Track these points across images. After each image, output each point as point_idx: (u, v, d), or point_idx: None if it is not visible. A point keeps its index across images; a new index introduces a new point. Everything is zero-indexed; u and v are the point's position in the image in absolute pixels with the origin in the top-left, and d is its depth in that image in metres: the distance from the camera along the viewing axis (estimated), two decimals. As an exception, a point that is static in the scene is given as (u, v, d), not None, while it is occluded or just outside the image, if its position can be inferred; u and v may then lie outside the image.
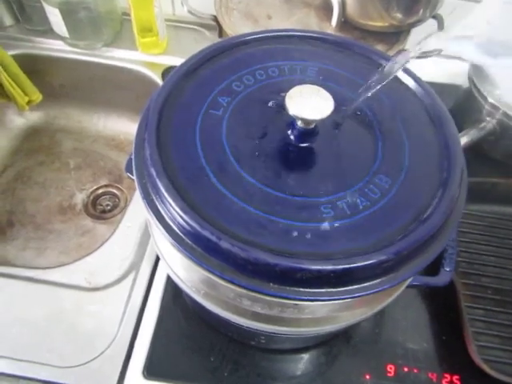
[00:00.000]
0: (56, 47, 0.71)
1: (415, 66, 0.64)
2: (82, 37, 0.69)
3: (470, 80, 0.60)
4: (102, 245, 0.52)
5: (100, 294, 0.47)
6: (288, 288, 0.28)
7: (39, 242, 0.67)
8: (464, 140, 0.57)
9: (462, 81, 0.64)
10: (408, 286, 0.38)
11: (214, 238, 0.27)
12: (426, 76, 0.69)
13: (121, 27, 0.74)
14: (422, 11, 0.53)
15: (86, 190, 0.74)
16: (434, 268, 0.41)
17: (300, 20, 0.55)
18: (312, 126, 0.33)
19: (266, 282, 0.28)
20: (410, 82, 0.38)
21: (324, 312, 0.32)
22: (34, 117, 0.79)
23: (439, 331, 0.48)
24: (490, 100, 0.57)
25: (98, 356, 0.43)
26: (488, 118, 0.58)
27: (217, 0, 0.56)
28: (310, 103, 0.32)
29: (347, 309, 0.33)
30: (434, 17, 0.58)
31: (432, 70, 0.70)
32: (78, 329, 0.46)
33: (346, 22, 0.55)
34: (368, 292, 0.28)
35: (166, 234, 0.29)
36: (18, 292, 0.48)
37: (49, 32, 0.71)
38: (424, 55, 0.56)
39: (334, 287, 0.28)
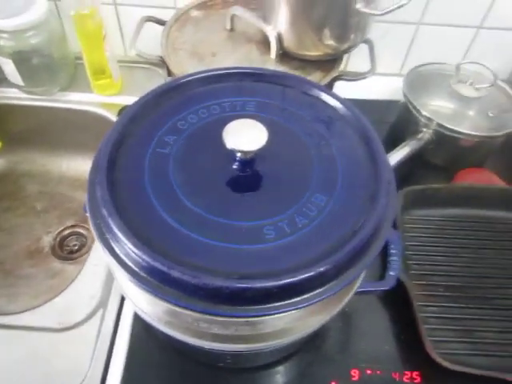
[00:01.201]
0: (12, 95, 0.73)
1: (356, 85, 0.70)
2: (37, 83, 0.71)
3: (405, 96, 0.65)
4: (69, 285, 0.54)
5: (70, 333, 0.49)
6: (238, 307, 0.30)
7: (10, 289, 0.67)
8: (406, 150, 0.62)
9: (400, 96, 0.69)
10: (357, 293, 0.40)
11: (165, 269, 0.30)
12: (368, 94, 0.75)
13: (75, 71, 0.76)
14: (352, 37, 0.57)
15: (52, 232, 0.75)
16: (382, 274, 0.44)
17: (243, 55, 0.59)
18: (251, 155, 0.36)
19: (218, 303, 0.30)
20: (337, 104, 0.42)
21: (277, 325, 0.35)
22: (-5, 164, 0.80)
23: (398, 332, 0.51)
24: (424, 113, 0.62)
25: (72, 396, 0.44)
26: (424, 129, 0.63)
27: (163, 41, 0.59)
28: (245, 136, 0.35)
29: (299, 319, 0.36)
30: (365, 41, 0.64)
31: (374, 88, 0.75)
32: (52, 370, 0.46)
33: (285, 54, 0.59)
34: (312, 302, 0.31)
35: (122, 270, 0.31)
36: (-9, 339, 0.49)
37: (4, 81, 0.73)
38: (357, 78, 0.61)
39: (279, 301, 0.31)
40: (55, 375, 0.46)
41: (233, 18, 0.61)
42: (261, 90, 0.44)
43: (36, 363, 0.47)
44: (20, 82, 0.70)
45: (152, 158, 0.37)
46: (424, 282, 0.55)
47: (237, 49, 0.60)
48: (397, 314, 0.53)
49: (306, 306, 0.31)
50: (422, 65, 0.68)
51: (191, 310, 0.31)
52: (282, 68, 0.58)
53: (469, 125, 0.63)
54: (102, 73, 0.70)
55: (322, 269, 0.31)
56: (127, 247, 0.31)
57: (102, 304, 0.51)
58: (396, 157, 0.61)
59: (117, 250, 0.32)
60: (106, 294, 0.52)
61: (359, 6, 0.51)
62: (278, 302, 0.31)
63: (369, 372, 0.48)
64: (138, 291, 0.35)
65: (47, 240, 0.74)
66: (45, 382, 0.46)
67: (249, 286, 0.30)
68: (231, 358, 0.43)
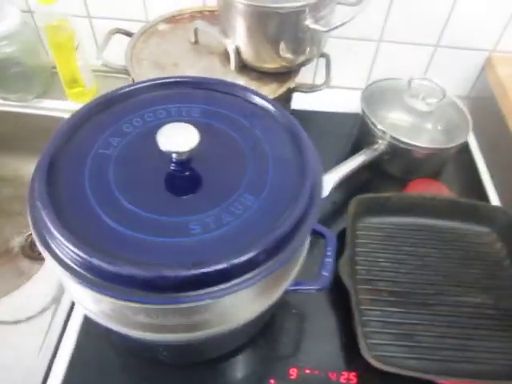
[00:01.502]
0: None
1: (325, 98, 0.73)
2: (12, 90, 0.74)
3: (362, 109, 0.67)
4: (27, 282, 0.56)
5: (22, 326, 0.51)
6: (162, 295, 0.32)
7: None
8: (362, 158, 0.64)
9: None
10: (288, 291, 0.42)
11: (87, 257, 0.32)
12: (336, 107, 0.78)
13: (52, 79, 0.79)
14: (308, 51, 0.61)
15: (23, 233, 0.77)
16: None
17: (205, 66, 0.62)
18: (185, 156, 0.39)
19: (145, 292, 0.32)
20: (272, 109, 0.44)
21: (205, 314, 0.37)
22: (-31, 168, 0.82)
23: (340, 334, 0.53)
24: (379, 126, 0.65)
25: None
26: (380, 141, 0.66)
27: (128, 52, 0.62)
28: (177, 138, 0.37)
29: (228, 310, 0.38)
30: (322, 55, 0.67)
31: (339, 102, 0.79)
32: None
33: (244, 66, 0.62)
34: (227, 292, 0.33)
35: (59, 266, 0.33)
36: None
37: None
38: (312, 90, 0.64)
39: (203, 288, 0.33)
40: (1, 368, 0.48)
41: (196, 31, 0.64)
42: (207, 97, 0.46)
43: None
44: (-5, 88, 0.73)
45: (94, 158, 0.40)
46: (370, 287, 0.57)
47: (199, 60, 0.63)
48: (341, 317, 0.55)
49: (222, 295, 0.33)
50: (379, 80, 0.71)
51: (117, 298, 0.33)
52: (240, 79, 0.61)
53: (421, 137, 0.65)
54: (75, 81, 0.73)
55: (236, 261, 0.33)
56: (60, 242, 0.33)
57: (56, 300, 0.53)
58: (352, 164, 0.63)
59: (52, 245, 0.34)
60: (60, 292, 0.54)
61: (308, 22, 0.54)
62: (201, 289, 0.33)
63: (307, 371, 0.50)
64: (78, 287, 0.37)
65: (18, 240, 0.76)
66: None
67: (166, 274, 0.32)
68: (166, 352, 0.45)
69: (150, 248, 0.34)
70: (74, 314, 0.52)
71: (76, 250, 0.32)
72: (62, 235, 0.33)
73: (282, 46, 0.58)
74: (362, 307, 0.55)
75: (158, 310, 0.35)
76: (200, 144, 0.37)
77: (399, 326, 0.54)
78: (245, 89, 0.45)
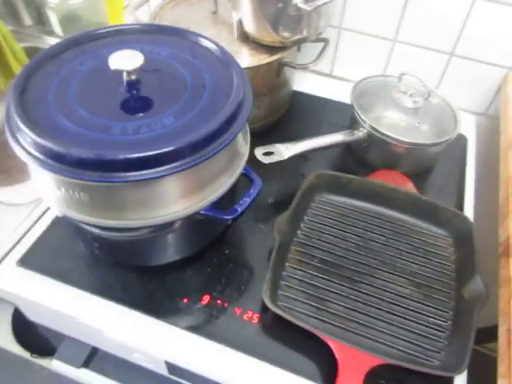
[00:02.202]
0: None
1: (324, 86, 0.78)
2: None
3: (350, 99, 0.71)
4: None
5: (11, 209, 0.63)
6: (90, 172, 0.41)
7: None
8: (335, 138, 0.68)
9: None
10: (200, 214, 0.49)
11: (42, 141, 0.41)
12: (334, 95, 0.82)
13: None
14: (305, 31, 0.66)
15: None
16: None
17: (213, 33, 0.71)
18: (132, 77, 0.47)
19: (80, 169, 0.41)
20: (214, 47, 0.53)
21: (139, 197, 0.45)
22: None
23: (262, 280, 0.57)
24: (361, 115, 0.68)
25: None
26: (361, 128, 0.69)
27: (154, 11, 0.73)
28: (124, 59, 0.46)
29: (141, 197, 0.45)
30: (322, 40, 0.72)
31: (341, 91, 0.82)
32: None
33: (246, 36, 0.69)
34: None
35: (28, 156, 0.43)
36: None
37: (52, 33, 0.92)
38: (300, 67, 0.70)
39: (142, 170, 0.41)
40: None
41: (216, 2, 0.73)
42: (162, 40, 0.55)
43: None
44: (59, 32, 0.89)
45: (60, 80, 0.49)
46: (302, 250, 0.60)
47: (211, 28, 0.72)
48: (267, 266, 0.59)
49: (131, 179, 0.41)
50: (375, 76, 0.74)
51: (78, 178, 0.41)
52: (242, 47, 0.69)
53: (403, 132, 0.67)
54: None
55: (137, 155, 0.41)
56: (24, 133, 0.42)
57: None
58: (328, 139, 0.68)
59: (20, 138, 0.43)
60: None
61: (297, 1, 0.60)
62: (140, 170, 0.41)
63: (218, 301, 0.56)
64: (37, 171, 0.46)
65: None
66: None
67: (114, 157, 0.41)
68: (97, 243, 0.54)
69: (88, 139, 0.43)
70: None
71: (34, 137, 0.42)
72: (26, 126, 0.43)
73: (276, 22, 0.65)
74: (288, 264, 0.58)
75: (90, 187, 0.44)
76: (143, 66, 0.46)
77: (316, 288, 0.57)
78: (196, 34, 0.54)
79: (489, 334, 0.60)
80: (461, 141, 0.78)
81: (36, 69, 0.50)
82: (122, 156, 0.41)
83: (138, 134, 0.44)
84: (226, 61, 0.51)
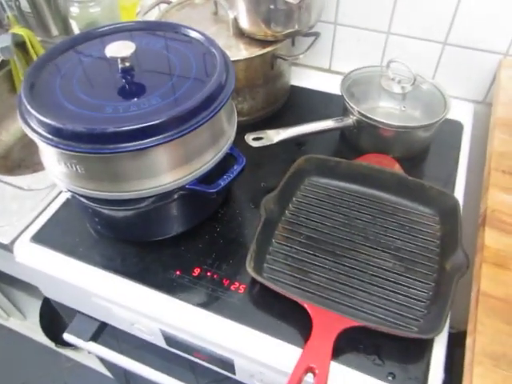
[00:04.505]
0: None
1: (321, 80, 0.82)
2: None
3: (340, 89, 0.74)
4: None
5: (29, 193, 0.70)
6: (88, 145, 0.47)
7: None
8: (324, 124, 0.72)
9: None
10: (185, 189, 0.53)
11: (47, 120, 0.47)
12: (328, 89, 0.85)
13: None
14: (296, 25, 0.71)
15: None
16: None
17: (212, 32, 0.76)
18: (127, 63, 0.53)
19: (81, 143, 0.47)
20: (199, 36, 0.59)
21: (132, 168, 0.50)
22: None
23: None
24: (350, 103, 0.71)
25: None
26: (351, 116, 0.72)
27: (160, 14, 0.79)
28: (119, 49, 0.52)
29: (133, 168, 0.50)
30: (314, 35, 0.76)
31: (332, 84, 0.85)
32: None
33: (241, 33, 0.75)
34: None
35: (35, 135, 0.49)
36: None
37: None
38: (290, 58, 0.74)
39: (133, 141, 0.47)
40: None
41: (215, 3, 0.79)
42: (159, 34, 0.61)
43: None
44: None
45: (67, 69, 0.56)
46: (290, 228, 0.63)
47: (211, 27, 0.77)
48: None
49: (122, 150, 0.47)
50: (365, 67, 0.77)
51: (73, 151, 0.47)
52: (238, 42, 0.74)
53: (392, 117, 0.69)
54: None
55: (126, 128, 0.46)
56: (33, 115, 0.49)
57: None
58: (317, 125, 0.71)
59: (29, 120, 0.50)
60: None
61: (283, -5, 0.65)
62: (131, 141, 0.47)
63: (208, 274, 0.60)
64: (45, 149, 0.53)
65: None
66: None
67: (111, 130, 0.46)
68: (98, 219, 0.59)
69: (84, 117, 0.50)
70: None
71: (37, 115, 0.48)
72: (31, 107, 0.49)
73: (267, 18, 0.70)
74: (275, 240, 0.62)
75: (85, 159, 0.49)
76: (136, 54, 0.52)
77: (300, 262, 0.60)
78: (187, 27, 0.59)
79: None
80: (457, 128, 0.79)
81: (46, 62, 0.57)
82: (111, 129, 0.46)
83: (128, 112, 0.50)
84: (211, 48, 0.57)
